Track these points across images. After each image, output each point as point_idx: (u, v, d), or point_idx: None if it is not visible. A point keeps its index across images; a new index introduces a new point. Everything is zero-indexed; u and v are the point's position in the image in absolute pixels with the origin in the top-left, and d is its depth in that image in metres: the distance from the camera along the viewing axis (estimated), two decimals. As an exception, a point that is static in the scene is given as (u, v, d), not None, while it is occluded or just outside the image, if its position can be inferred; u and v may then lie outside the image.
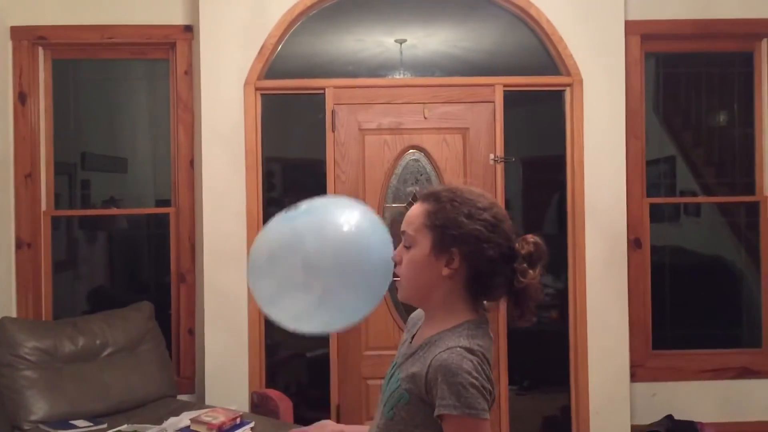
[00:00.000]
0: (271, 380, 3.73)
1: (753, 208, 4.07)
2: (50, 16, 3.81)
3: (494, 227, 1.47)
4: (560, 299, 3.80)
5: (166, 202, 3.98)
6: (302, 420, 3.34)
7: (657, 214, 4.03)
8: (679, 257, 4.17)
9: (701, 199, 4.21)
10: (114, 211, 4.11)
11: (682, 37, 3.98)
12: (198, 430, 2.98)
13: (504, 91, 3.74)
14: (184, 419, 3.10)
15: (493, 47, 3.92)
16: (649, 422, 3.84)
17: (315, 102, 3.76)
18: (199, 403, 3.57)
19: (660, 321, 3.99)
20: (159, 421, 3.15)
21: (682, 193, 4.23)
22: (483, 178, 3.68)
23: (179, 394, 3.69)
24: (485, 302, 1.53)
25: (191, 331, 3.86)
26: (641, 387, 3.88)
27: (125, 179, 4.16)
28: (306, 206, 1.70)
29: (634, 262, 3.87)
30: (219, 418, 3.02)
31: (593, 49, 3.75)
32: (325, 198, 1.80)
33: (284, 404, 3.38)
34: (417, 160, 3.79)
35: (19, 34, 3.79)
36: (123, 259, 4.24)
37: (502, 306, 1.52)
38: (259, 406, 3.47)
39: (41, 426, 3.13)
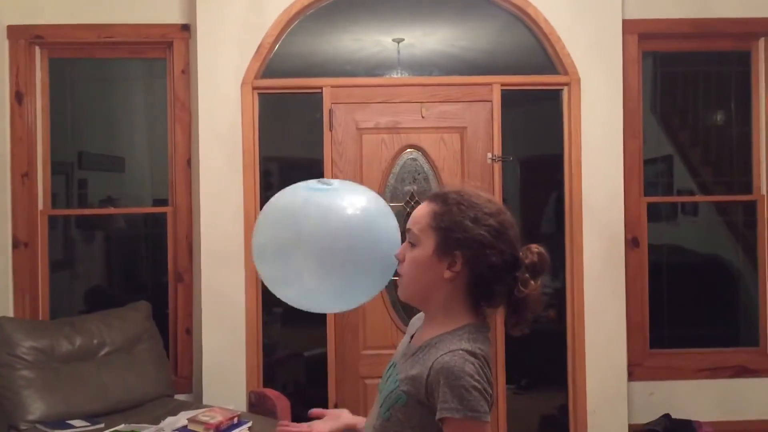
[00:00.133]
0: (269, 380, 3.72)
1: (750, 207, 4.07)
2: (47, 15, 3.80)
3: (499, 234, 1.47)
4: (558, 298, 3.80)
5: (163, 202, 3.97)
6: (300, 419, 3.33)
7: (654, 213, 4.03)
8: (676, 256, 4.17)
9: (698, 198, 4.21)
10: (111, 210, 4.10)
11: (679, 36, 3.98)
12: (195, 429, 2.98)
13: (501, 90, 3.74)
14: (182, 419, 3.09)
15: (490, 46, 3.92)
16: (646, 421, 3.84)
17: (312, 101, 3.75)
18: (197, 403, 3.57)
19: (657, 320, 3.99)
20: (156, 420, 3.14)
21: (680, 193, 4.24)
22: (480, 178, 3.68)
23: (176, 393, 3.69)
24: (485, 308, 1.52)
25: (188, 331, 3.86)
26: (639, 386, 3.89)
27: (122, 178, 4.16)
28: (337, 184, 1.71)
29: (631, 261, 3.87)
30: (216, 418, 3.01)
31: (591, 49, 3.75)
32: (356, 185, 1.82)
33: (282, 404, 3.38)
34: (415, 159, 3.79)
35: (15, 33, 3.79)
36: (120, 258, 4.23)
37: (500, 311, 1.52)
38: (257, 405, 3.47)
39: (38, 426, 3.12)
